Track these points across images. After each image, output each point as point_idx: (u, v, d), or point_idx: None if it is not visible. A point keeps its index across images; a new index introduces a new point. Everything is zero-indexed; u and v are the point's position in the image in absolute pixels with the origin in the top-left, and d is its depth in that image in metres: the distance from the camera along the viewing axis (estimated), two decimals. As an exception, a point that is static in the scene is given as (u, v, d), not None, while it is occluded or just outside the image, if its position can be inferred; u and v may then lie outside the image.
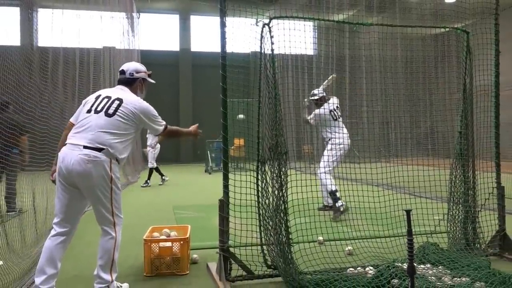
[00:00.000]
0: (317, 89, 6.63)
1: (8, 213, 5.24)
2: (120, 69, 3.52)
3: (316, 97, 6.53)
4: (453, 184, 4.22)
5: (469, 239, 4.13)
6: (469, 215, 4.15)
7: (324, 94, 6.56)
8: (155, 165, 11.43)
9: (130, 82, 3.44)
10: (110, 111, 3.16)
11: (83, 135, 3.08)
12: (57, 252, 3.08)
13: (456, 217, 4.20)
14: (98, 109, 3.18)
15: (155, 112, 3.39)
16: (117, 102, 3.20)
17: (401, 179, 4.46)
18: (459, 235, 4.16)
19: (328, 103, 6.46)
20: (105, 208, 3.11)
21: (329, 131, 6.45)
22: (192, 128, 3.84)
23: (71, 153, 3.03)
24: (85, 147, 3.03)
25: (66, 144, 3.13)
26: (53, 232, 3.12)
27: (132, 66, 3.51)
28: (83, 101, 3.37)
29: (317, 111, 6.51)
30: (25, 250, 4.26)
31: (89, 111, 3.19)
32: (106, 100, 3.23)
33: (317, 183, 5.55)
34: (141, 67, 3.55)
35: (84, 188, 3.06)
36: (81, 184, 3.05)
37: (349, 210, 5.88)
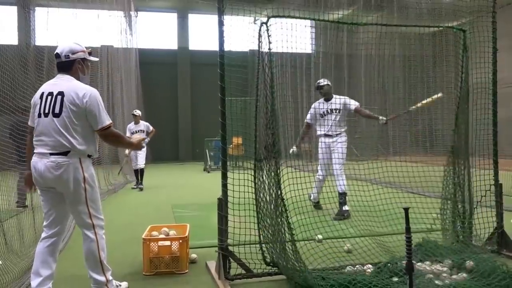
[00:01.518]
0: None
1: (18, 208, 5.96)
2: (55, 52, 3.16)
3: (327, 82, 6.44)
4: (445, 181, 4.23)
5: (464, 236, 4.12)
6: (458, 211, 4.14)
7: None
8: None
9: (67, 66, 3.13)
10: (56, 110, 2.98)
11: (44, 143, 3.00)
12: (50, 254, 3.07)
13: (450, 214, 4.21)
14: (46, 111, 3.00)
15: (101, 102, 3.09)
16: (59, 98, 2.99)
17: (399, 176, 4.47)
18: (452, 233, 4.16)
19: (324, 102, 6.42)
20: (81, 211, 3.07)
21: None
22: (135, 139, 3.68)
23: (41, 161, 2.99)
24: (51, 154, 2.97)
25: (34, 152, 3.07)
26: (43, 235, 3.12)
27: (66, 47, 3.14)
28: (31, 102, 3.17)
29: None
30: (24, 249, 4.27)
31: (39, 115, 3.04)
32: (49, 98, 3.02)
33: (312, 180, 5.42)
34: (77, 47, 3.18)
35: (62, 192, 3.05)
36: (57, 188, 3.04)
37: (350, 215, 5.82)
